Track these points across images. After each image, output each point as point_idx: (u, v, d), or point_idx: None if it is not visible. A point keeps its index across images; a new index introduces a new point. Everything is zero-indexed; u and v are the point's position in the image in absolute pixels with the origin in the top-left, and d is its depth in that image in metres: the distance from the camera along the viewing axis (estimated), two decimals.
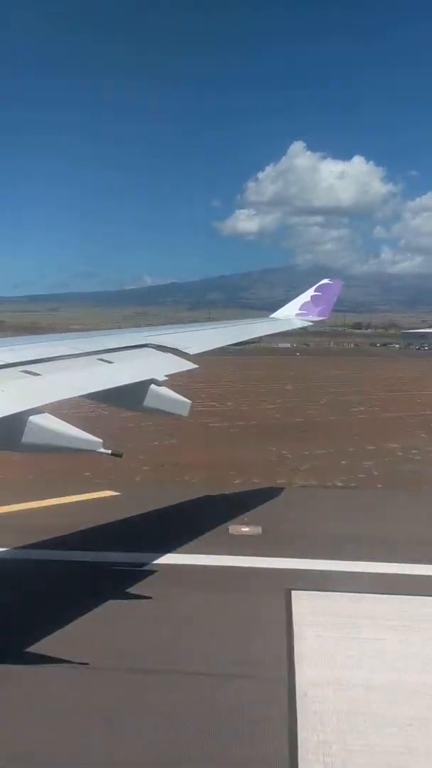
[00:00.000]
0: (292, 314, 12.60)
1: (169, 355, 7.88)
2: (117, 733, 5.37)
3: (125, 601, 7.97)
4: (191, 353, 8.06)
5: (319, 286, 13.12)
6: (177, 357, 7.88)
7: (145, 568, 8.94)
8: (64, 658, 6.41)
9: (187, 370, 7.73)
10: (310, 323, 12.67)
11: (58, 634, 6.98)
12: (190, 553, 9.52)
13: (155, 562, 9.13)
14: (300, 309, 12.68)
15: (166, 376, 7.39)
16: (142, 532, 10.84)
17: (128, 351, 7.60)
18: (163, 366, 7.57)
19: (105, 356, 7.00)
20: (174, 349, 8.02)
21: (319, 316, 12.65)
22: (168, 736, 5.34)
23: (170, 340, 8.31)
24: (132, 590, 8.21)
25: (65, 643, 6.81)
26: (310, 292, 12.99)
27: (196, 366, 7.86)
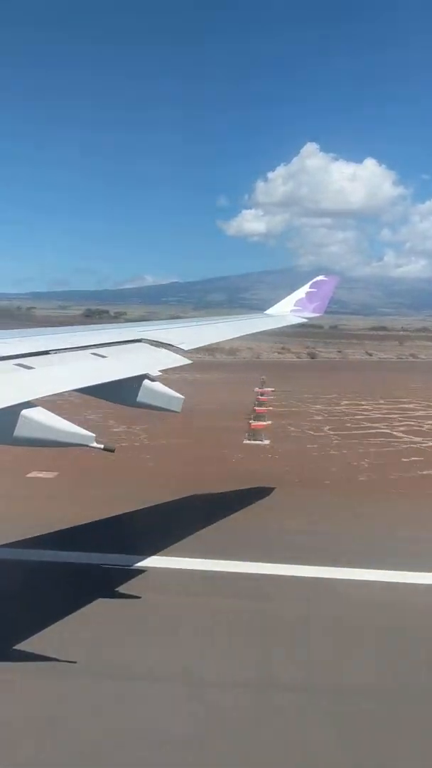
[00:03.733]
0: (286, 310, 12.58)
1: (163, 350, 7.86)
2: None
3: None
4: (185, 349, 8.04)
5: (314, 282, 13.10)
6: (171, 352, 7.87)
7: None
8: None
9: (181, 366, 7.72)
10: (305, 319, 12.65)
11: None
12: None
13: None
14: (295, 305, 12.66)
15: (159, 371, 7.38)
16: None
17: (122, 346, 7.59)
18: (156, 361, 7.55)
19: (99, 351, 6.99)
20: (168, 344, 8.00)
21: (314, 312, 12.64)
22: None
23: (164, 336, 8.29)
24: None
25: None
26: (305, 288, 12.97)
27: (190, 362, 7.86)
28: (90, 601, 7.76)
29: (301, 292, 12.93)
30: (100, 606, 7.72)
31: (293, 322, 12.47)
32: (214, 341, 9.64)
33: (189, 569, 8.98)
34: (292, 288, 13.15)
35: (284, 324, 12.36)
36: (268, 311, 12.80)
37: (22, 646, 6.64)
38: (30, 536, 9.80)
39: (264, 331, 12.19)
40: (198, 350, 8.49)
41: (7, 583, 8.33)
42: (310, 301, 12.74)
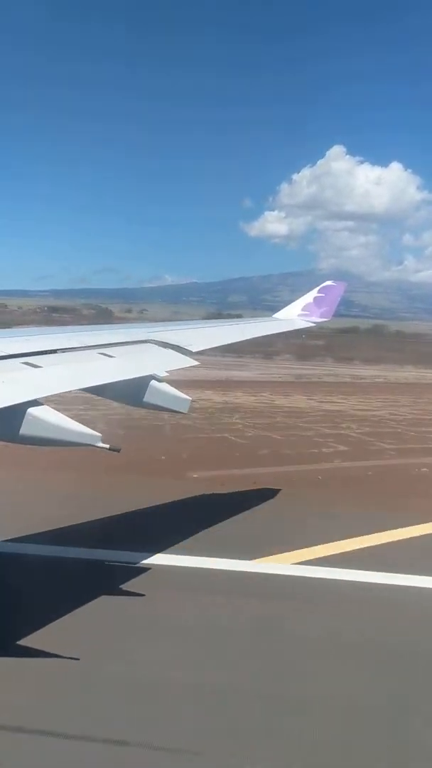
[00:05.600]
0: (294, 315, 12.56)
1: (171, 351, 7.86)
2: None
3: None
4: (193, 350, 8.04)
5: (322, 287, 13.06)
6: (179, 354, 7.87)
7: None
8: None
9: (189, 367, 7.72)
10: (312, 324, 12.62)
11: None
12: None
13: None
14: (302, 310, 12.63)
15: (167, 372, 7.37)
16: None
17: (130, 346, 7.60)
18: (164, 362, 7.55)
19: (106, 350, 6.99)
20: (176, 345, 8.00)
21: (321, 317, 12.60)
22: None
23: (172, 337, 8.29)
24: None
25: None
26: (313, 293, 12.94)
27: (197, 363, 7.85)
28: None
29: (309, 297, 12.90)
30: None
31: (300, 327, 12.45)
32: (222, 343, 9.63)
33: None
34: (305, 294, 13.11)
35: (291, 328, 12.35)
36: (277, 315, 12.79)
37: None
38: None
39: (270, 334, 12.19)
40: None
41: None
42: (318, 306, 12.70)
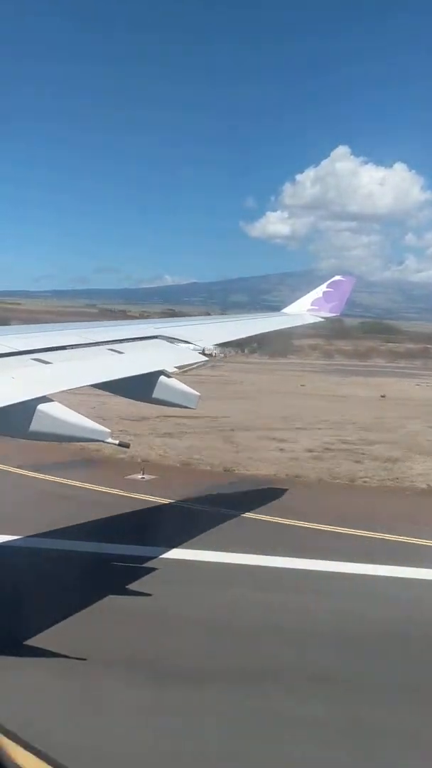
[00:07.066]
0: (303, 310, 12.50)
1: (180, 346, 7.84)
2: None
3: None
4: (202, 346, 8.01)
5: (331, 282, 12.99)
6: (188, 349, 7.85)
7: None
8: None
9: (198, 363, 7.69)
10: (322, 319, 12.56)
11: None
12: None
13: None
14: (312, 305, 12.57)
15: (176, 367, 7.35)
16: None
17: (139, 342, 7.58)
18: (173, 358, 7.54)
19: (115, 346, 6.98)
20: (185, 341, 7.97)
21: (331, 312, 12.54)
22: None
23: (181, 332, 8.27)
24: None
25: None
26: (322, 288, 12.86)
27: (207, 359, 7.82)
28: None
29: (318, 292, 12.83)
30: None
31: (310, 322, 12.40)
32: (231, 338, 9.61)
33: None
34: (312, 290, 13.04)
35: (300, 323, 12.30)
36: (285, 310, 12.73)
37: None
38: None
39: (280, 330, 12.14)
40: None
41: None
42: (327, 300, 12.64)
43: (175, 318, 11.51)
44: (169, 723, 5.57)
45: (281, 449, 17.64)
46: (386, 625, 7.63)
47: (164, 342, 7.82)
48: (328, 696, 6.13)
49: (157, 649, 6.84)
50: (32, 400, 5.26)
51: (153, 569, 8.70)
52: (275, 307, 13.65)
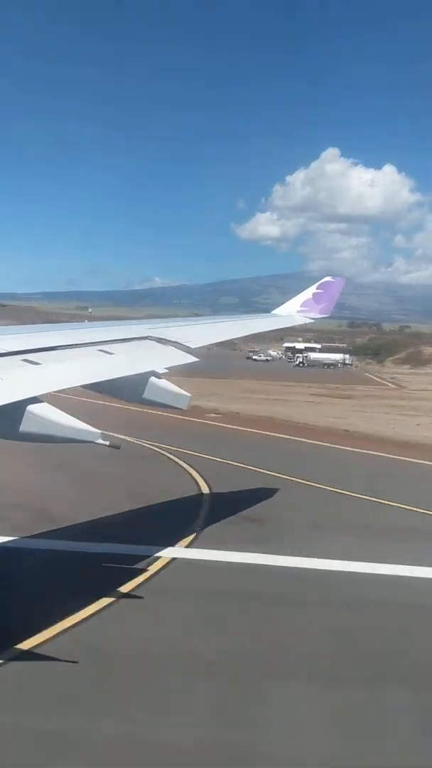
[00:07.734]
0: (293, 311, 12.53)
1: (170, 347, 7.81)
2: None
3: None
4: (192, 347, 7.98)
5: (321, 283, 13.02)
6: (178, 350, 7.82)
7: None
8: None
9: (188, 363, 7.67)
10: (312, 320, 12.61)
11: None
12: None
13: None
14: (302, 306, 12.60)
15: (166, 368, 7.33)
16: None
17: (129, 343, 7.55)
18: (163, 359, 7.50)
19: (105, 347, 6.96)
20: (175, 342, 7.95)
21: (320, 313, 12.57)
22: None
23: (171, 333, 8.24)
24: None
25: None
26: (312, 289, 12.89)
27: (197, 359, 7.80)
28: None
29: (308, 293, 12.86)
30: None
31: (300, 323, 12.43)
32: (221, 339, 9.59)
33: None
34: (302, 292, 13.07)
35: (291, 324, 12.34)
36: (276, 311, 12.76)
37: None
38: None
39: (270, 330, 12.17)
40: None
41: None
42: (317, 302, 12.67)
43: (165, 318, 11.46)
44: None
45: None
46: None
47: (154, 343, 7.79)
48: None
49: None
50: (22, 401, 5.23)
51: None
52: (266, 309, 13.69)
